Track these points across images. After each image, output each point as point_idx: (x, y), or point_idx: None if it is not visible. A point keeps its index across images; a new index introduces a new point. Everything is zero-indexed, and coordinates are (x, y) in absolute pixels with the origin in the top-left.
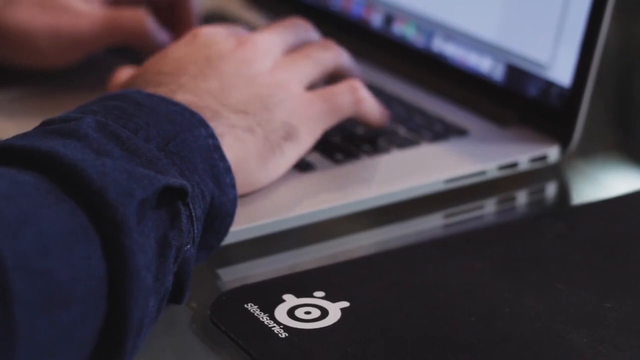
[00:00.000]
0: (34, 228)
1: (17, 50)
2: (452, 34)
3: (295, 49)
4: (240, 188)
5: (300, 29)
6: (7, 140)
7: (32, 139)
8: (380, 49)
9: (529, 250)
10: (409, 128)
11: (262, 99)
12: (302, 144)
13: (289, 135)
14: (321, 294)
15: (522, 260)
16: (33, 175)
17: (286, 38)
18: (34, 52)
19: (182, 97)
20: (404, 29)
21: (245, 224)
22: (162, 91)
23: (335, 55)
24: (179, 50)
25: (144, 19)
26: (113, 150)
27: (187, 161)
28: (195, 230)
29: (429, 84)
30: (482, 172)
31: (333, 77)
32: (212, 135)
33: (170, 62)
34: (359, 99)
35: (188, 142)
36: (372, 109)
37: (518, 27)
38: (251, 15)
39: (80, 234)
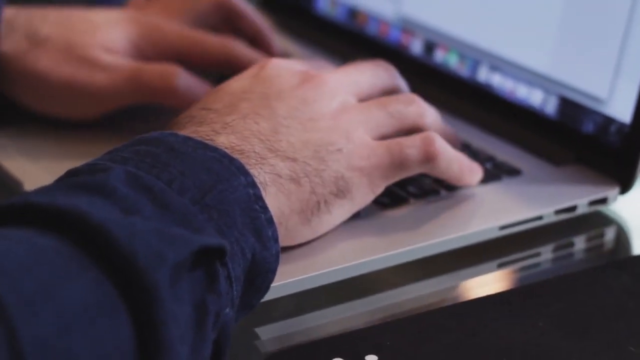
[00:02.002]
0: (55, 303)
1: (34, 96)
2: (499, 64)
3: (373, 97)
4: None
5: (383, 73)
6: (28, 195)
7: (54, 194)
8: (420, 77)
9: (595, 307)
10: None
11: (317, 145)
12: (355, 202)
13: (341, 191)
14: (374, 357)
15: (589, 318)
16: (54, 237)
17: (362, 81)
18: (51, 101)
19: (225, 139)
20: (446, 57)
21: (285, 279)
22: (203, 131)
23: (418, 112)
24: (238, 84)
25: (173, 75)
26: (144, 207)
27: (225, 215)
28: (235, 292)
29: (474, 116)
30: (539, 217)
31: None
32: (252, 184)
33: (224, 96)
34: (431, 152)
35: (226, 193)
36: (452, 165)
37: (573, 58)
38: (281, 40)
39: (106, 306)
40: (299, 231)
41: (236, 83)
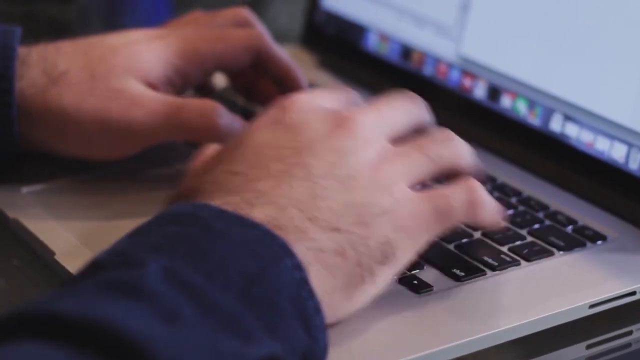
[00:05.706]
0: None
1: (61, 138)
2: (575, 113)
3: (405, 137)
4: None
5: (413, 108)
6: (54, 302)
7: (84, 301)
8: (484, 125)
9: None
10: (535, 232)
11: (360, 209)
12: (399, 264)
13: (386, 257)
14: None
15: None
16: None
17: (395, 120)
18: (81, 141)
19: (261, 212)
20: (513, 104)
21: None
22: (235, 202)
23: (456, 152)
24: (261, 135)
25: (214, 112)
26: (185, 309)
27: (273, 309)
28: None
29: (546, 170)
30: (632, 293)
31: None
32: (297, 266)
33: (247, 153)
34: (474, 201)
35: (273, 280)
36: (489, 213)
37: None
38: (322, 77)
39: None
40: (339, 308)
41: (258, 135)
